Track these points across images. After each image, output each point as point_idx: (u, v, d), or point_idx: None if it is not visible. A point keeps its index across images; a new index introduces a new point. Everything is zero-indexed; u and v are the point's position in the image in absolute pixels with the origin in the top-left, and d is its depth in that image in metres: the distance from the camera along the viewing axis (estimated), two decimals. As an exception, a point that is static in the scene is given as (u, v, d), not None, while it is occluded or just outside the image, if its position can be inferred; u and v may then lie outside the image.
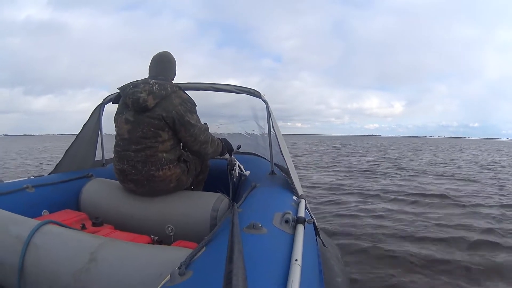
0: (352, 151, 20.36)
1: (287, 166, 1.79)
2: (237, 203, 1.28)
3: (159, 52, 1.77)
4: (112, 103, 1.81)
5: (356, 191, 5.67)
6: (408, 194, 5.30)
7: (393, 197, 5.09)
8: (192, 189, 1.87)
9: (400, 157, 14.61)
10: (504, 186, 6.44)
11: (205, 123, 1.78)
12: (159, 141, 1.57)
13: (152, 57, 1.76)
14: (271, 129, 1.99)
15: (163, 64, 1.75)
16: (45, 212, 1.66)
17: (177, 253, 0.98)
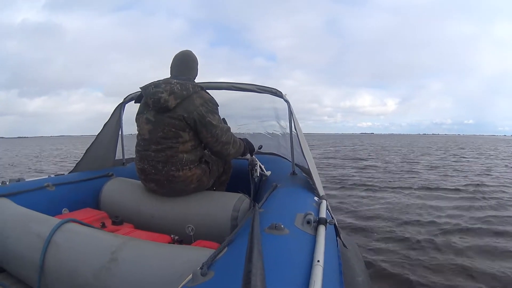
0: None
1: (308, 167, 1.75)
2: (258, 204, 1.25)
3: (181, 50, 1.76)
4: (134, 102, 1.81)
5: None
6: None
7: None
8: (214, 190, 1.84)
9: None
10: None
11: (223, 118, 1.75)
12: (180, 141, 1.56)
13: (173, 56, 1.76)
14: (293, 129, 1.96)
15: (185, 63, 1.73)
16: (65, 211, 1.67)
17: (198, 253, 0.96)
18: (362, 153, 17.17)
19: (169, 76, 1.71)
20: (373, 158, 13.50)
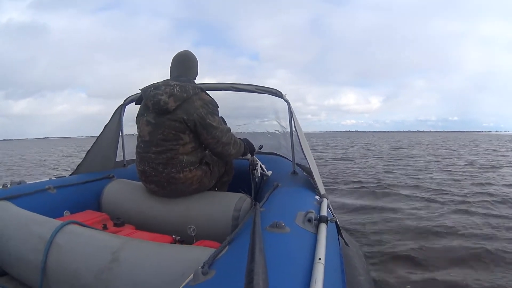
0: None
1: (309, 166, 1.76)
2: (259, 203, 1.25)
3: (179, 51, 1.76)
4: (135, 104, 1.81)
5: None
6: None
7: None
8: (216, 191, 1.85)
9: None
10: None
11: (221, 117, 1.75)
12: (180, 143, 1.56)
13: (172, 57, 1.76)
14: (293, 129, 1.96)
15: (184, 65, 1.73)
16: (66, 213, 1.67)
17: (199, 253, 0.97)
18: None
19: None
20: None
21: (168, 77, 1.72)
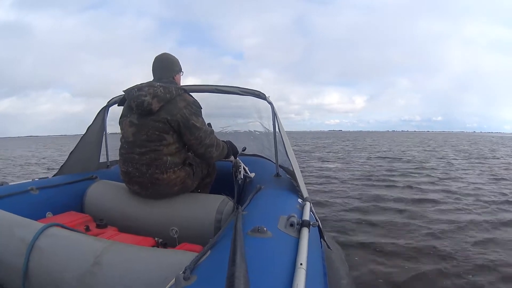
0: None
1: (292, 168, 1.78)
2: (242, 206, 1.27)
3: (158, 54, 1.78)
4: (118, 105, 1.81)
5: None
6: None
7: None
8: (199, 192, 1.85)
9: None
10: None
11: (209, 123, 1.76)
12: (164, 144, 1.57)
13: (153, 59, 1.77)
14: (277, 130, 1.98)
15: (165, 65, 1.75)
16: (49, 214, 1.65)
17: (182, 257, 0.97)
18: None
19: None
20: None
21: (152, 77, 1.73)
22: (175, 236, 1.48)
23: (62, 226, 1.22)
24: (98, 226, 1.52)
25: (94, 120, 2.23)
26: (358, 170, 8.72)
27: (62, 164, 2.19)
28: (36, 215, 1.50)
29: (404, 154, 14.74)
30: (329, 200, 4.81)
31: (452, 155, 13.96)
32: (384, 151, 16.55)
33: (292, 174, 1.81)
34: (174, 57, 1.80)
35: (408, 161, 11.18)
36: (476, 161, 11.52)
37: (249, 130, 2.65)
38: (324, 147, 21.96)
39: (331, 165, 10.18)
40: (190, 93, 1.72)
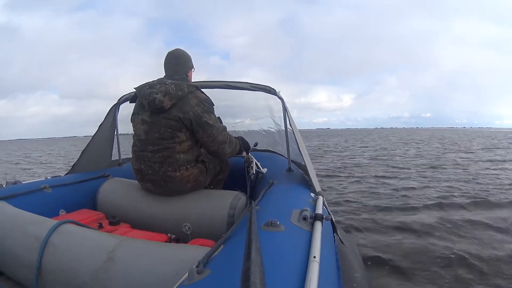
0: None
1: (304, 163, 1.76)
2: (254, 201, 1.25)
3: (170, 50, 1.76)
4: (129, 102, 1.81)
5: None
6: None
7: None
8: (212, 189, 1.85)
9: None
10: None
11: (219, 117, 1.75)
12: (177, 141, 1.56)
13: (165, 55, 1.75)
14: (288, 126, 1.96)
15: (176, 62, 1.73)
16: (62, 212, 1.67)
17: (195, 252, 0.97)
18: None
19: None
20: None
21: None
22: (188, 232, 1.47)
23: (75, 223, 1.23)
24: (111, 223, 1.53)
25: (105, 118, 2.25)
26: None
27: (74, 162, 2.21)
28: (50, 213, 1.51)
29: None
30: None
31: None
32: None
33: (304, 168, 1.79)
34: (187, 52, 1.78)
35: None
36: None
37: (260, 127, 2.64)
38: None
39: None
40: (202, 90, 1.70)
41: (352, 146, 19.66)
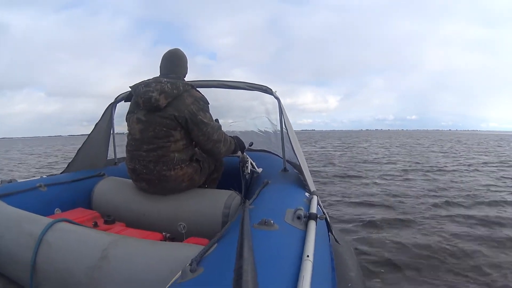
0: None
1: (299, 163, 1.77)
2: (249, 200, 1.26)
3: (169, 49, 1.76)
4: (124, 101, 1.81)
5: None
6: None
7: None
8: (206, 188, 1.85)
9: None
10: None
11: (216, 119, 1.76)
12: (171, 140, 1.56)
13: (163, 54, 1.76)
14: (283, 126, 1.97)
15: (174, 62, 1.73)
16: (57, 211, 1.67)
17: (188, 250, 0.97)
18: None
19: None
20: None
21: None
22: (183, 231, 1.48)
23: (70, 222, 1.23)
24: (106, 222, 1.53)
25: (101, 117, 2.25)
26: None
27: (70, 161, 2.21)
28: (45, 212, 1.51)
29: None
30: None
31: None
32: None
33: (299, 168, 1.80)
34: (185, 55, 1.79)
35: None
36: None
37: (256, 127, 2.64)
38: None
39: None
40: (197, 89, 1.71)
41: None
